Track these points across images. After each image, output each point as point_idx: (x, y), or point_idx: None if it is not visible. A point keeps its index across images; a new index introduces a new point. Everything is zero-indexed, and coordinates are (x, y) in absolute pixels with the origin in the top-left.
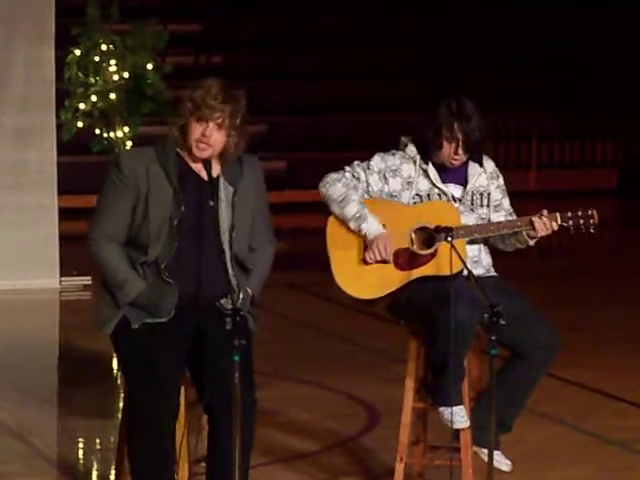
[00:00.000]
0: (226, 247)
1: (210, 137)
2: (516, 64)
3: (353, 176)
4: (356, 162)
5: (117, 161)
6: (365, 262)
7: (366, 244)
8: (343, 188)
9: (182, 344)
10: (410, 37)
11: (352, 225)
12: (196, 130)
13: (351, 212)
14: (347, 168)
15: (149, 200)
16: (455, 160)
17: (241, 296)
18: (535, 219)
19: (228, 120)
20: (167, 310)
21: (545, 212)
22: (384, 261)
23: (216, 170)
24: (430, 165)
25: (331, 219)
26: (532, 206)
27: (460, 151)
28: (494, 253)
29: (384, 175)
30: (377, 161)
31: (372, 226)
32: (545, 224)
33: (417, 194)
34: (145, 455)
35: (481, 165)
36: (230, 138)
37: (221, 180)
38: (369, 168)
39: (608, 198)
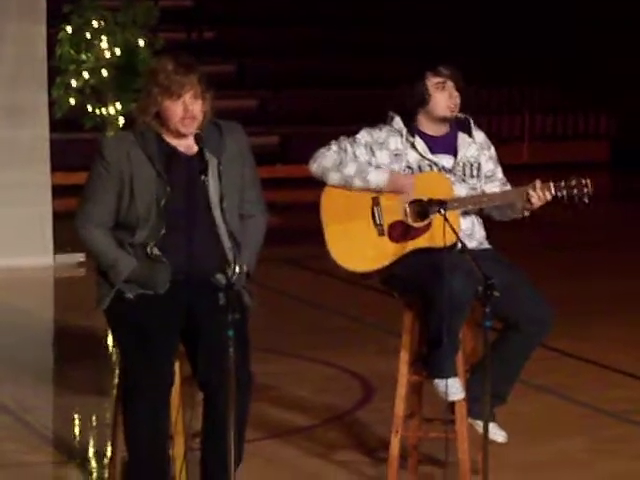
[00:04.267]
0: (219, 221)
1: (192, 110)
2: (509, 35)
3: (340, 148)
4: (342, 137)
5: (99, 149)
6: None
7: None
8: (335, 155)
9: (175, 317)
10: (400, 14)
11: (357, 181)
12: (176, 109)
13: (352, 170)
14: (333, 142)
15: (134, 184)
16: (454, 105)
17: (236, 270)
18: (530, 190)
19: (199, 87)
20: (161, 284)
21: (538, 183)
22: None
23: (193, 145)
24: (417, 137)
25: (325, 193)
26: (525, 179)
27: (455, 94)
28: (488, 226)
29: (370, 148)
30: (363, 134)
31: (378, 174)
32: (539, 195)
33: (408, 166)
34: (140, 426)
35: (470, 135)
36: (205, 103)
37: (205, 152)
38: (355, 141)
39: (601, 170)
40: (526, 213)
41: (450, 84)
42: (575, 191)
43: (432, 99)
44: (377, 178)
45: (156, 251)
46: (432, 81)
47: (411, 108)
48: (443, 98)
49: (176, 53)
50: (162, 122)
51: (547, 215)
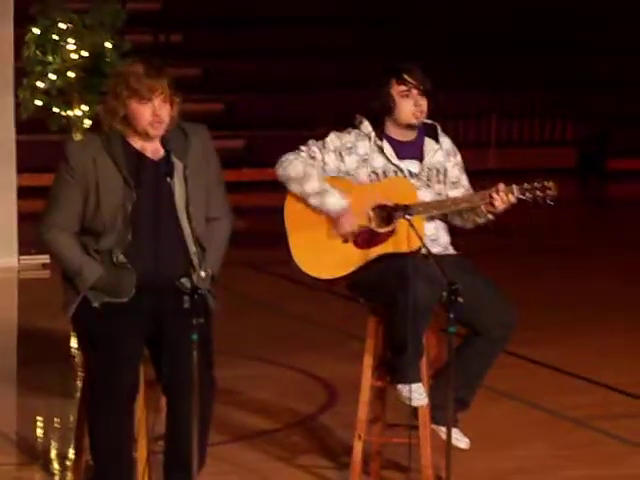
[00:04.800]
0: (185, 225)
1: (161, 114)
2: (477, 41)
3: (309, 155)
4: (311, 141)
5: (65, 154)
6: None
7: (333, 220)
8: (301, 166)
9: (141, 323)
10: (365, 18)
11: (313, 201)
12: (145, 112)
13: (312, 188)
14: (303, 148)
15: (100, 190)
16: (420, 112)
17: (202, 275)
18: (493, 194)
19: (168, 91)
20: (127, 291)
21: (502, 186)
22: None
23: (159, 148)
24: (385, 141)
25: (288, 199)
26: (491, 184)
27: (421, 102)
28: (453, 231)
29: (340, 153)
30: (332, 139)
31: (335, 201)
32: (502, 198)
33: (373, 171)
34: (104, 432)
35: (437, 141)
36: (173, 107)
37: (171, 156)
38: (324, 147)
39: (567, 177)
40: (490, 217)
41: (415, 92)
42: (538, 193)
43: (397, 107)
44: (334, 206)
45: (122, 258)
46: (397, 89)
47: (377, 113)
48: (408, 106)
49: (147, 57)
50: (128, 124)
51: (512, 220)
